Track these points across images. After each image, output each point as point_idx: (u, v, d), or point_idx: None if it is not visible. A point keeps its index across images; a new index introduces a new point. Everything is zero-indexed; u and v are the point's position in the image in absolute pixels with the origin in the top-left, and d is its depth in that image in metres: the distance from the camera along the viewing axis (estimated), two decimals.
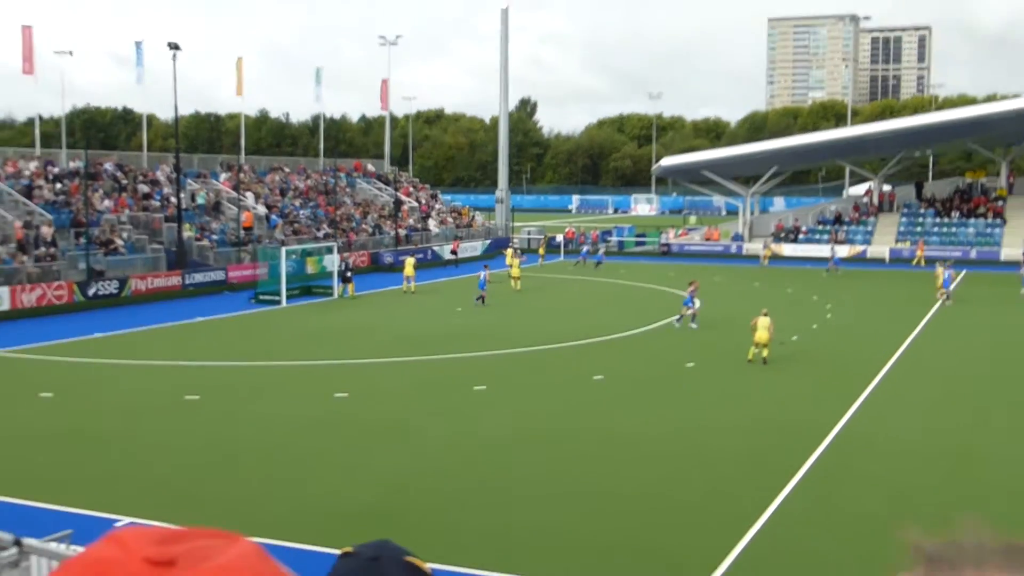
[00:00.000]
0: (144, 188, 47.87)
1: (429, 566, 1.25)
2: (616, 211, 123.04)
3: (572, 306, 39.23)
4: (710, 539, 13.33)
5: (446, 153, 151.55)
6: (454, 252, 55.14)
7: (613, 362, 26.44)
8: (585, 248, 58.35)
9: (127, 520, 13.13)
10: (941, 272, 38.89)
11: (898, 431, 19.08)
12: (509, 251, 51.47)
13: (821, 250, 58.44)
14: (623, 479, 15.99)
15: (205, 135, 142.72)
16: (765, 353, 25.10)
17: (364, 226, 56.84)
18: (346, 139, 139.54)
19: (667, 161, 66.43)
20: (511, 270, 43.26)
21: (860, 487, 15.62)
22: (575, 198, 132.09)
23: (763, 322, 25.71)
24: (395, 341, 29.47)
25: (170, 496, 14.70)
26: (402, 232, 57.55)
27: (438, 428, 18.97)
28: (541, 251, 57.57)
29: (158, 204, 46.65)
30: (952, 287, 38.38)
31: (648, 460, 16.98)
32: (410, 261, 42.49)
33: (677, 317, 32.07)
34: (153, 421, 19.42)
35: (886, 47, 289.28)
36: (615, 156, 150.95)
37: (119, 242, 41.31)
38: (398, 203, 59.43)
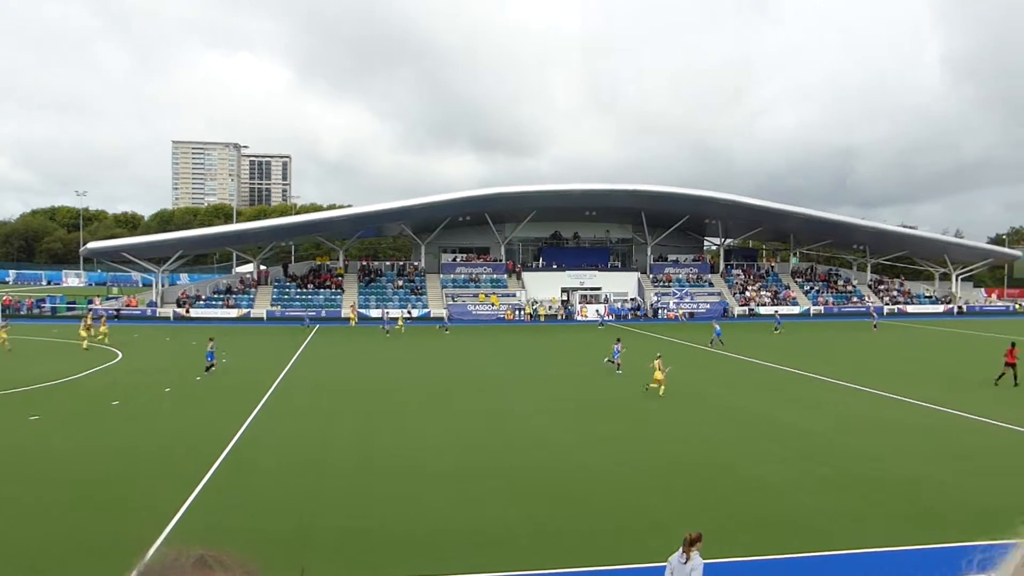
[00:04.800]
0: None
1: None
2: (49, 283, 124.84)
3: None
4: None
5: None
6: None
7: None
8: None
9: None
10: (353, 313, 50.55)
11: (278, 443, 19.37)
12: None
13: (226, 313, 66.70)
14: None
15: None
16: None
17: None
18: None
19: (93, 245, 67.82)
20: None
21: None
22: (12, 272, 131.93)
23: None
24: None
25: None
26: None
27: None
28: None
29: None
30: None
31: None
32: None
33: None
34: None
35: (261, 167, 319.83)
36: (48, 239, 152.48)
37: None
38: None
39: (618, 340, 35.03)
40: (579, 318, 69.95)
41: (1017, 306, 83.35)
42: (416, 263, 78.52)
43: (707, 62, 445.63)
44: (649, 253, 79.71)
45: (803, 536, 12.91)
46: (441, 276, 75.87)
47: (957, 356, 40.55)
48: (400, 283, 74.70)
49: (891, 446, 19.32)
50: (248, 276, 75.98)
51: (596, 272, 75.66)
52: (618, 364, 33.28)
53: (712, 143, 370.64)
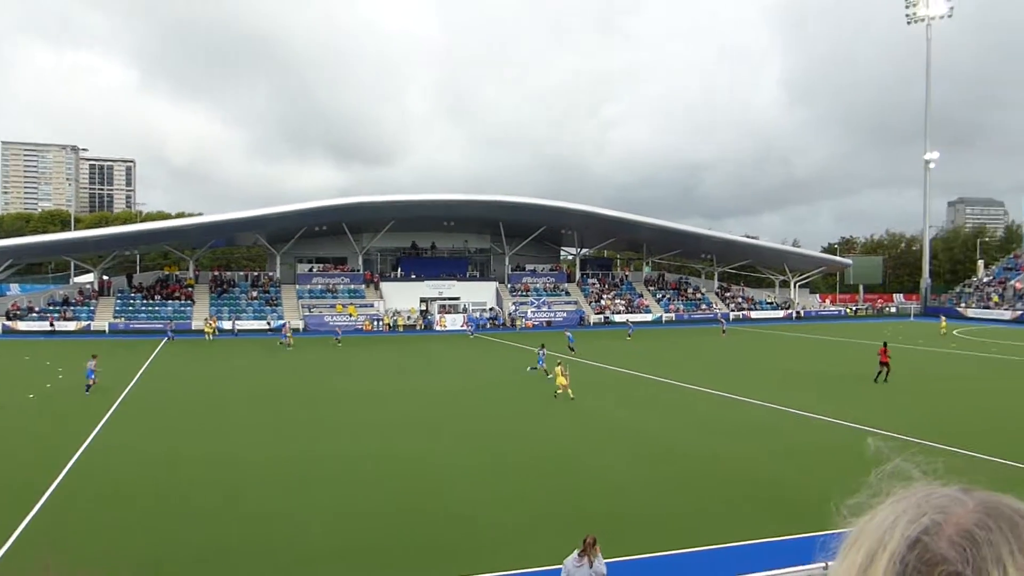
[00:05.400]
0: None
1: None
2: None
3: None
4: None
5: None
6: None
7: None
8: None
9: None
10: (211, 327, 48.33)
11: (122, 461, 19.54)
12: None
13: (63, 326, 62.03)
14: None
15: None
16: None
17: None
18: None
19: None
20: None
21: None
22: None
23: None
24: None
25: None
26: None
27: None
28: None
29: None
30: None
31: None
32: None
33: None
34: None
35: (102, 172, 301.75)
36: None
37: None
38: None
39: (542, 346, 36.11)
40: (438, 328, 69.73)
41: (848, 310, 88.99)
42: (271, 273, 76.34)
43: (562, 75, 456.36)
44: (507, 263, 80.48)
45: (657, 534, 13.38)
46: (297, 287, 74.08)
47: (796, 357, 42.78)
48: (254, 294, 72.38)
49: (736, 444, 20.20)
50: (88, 287, 71.76)
51: (455, 282, 75.72)
52: (545, 370, 33.88)
53: (567, 155, 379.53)
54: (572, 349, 44.50)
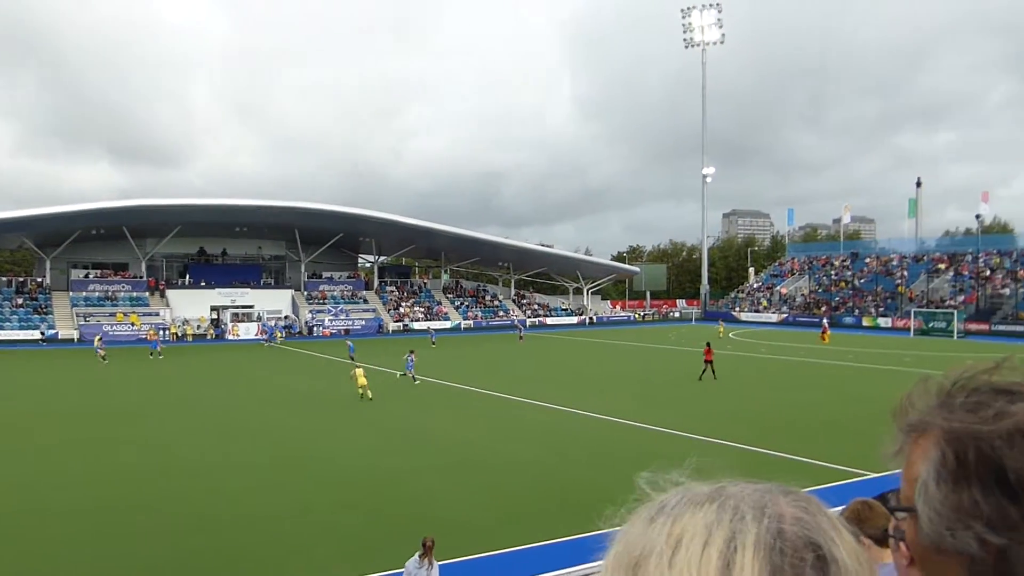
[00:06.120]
0: None
1: None
2: None
3: None
4: None
5: None
6: None
7: None
8: None
9: None
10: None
11: None
12: None
13: None
14: None
15: None
16: None
17: None
18: None
19: None
20: None
21: None
22: None
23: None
24: None
25: None
26: None
27: None
28: None
29: None
30: None
31: None
32: None
33: None
34: None
35: None
36: None
37: None
38: None
39: (411, 351, 36.19)
40: (231, 337, 66.79)
41: (636, 315, 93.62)
42: (40, 279, 70.23)
43: (361, 80, 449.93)
44: (303, 270, 78.52)
45: (461, 538, 13.51)
46: (71, 294, 68.70)
47: (592, 361, 44.35)
48: (20, 301, 66.36)
49: (536, 448, 20.58)
50: None
51: (248, 290, 72.98)
52: (413, 375, 34.83)
53: (367, 161, 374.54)
54: (352, 359, 43.92)
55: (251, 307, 71.54)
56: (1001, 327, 65.77)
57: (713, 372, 35.09)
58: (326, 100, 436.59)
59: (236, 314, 70.06)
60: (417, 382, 34.48)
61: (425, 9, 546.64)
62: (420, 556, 10.45)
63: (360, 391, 29.76)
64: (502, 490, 16.98)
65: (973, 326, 66.26)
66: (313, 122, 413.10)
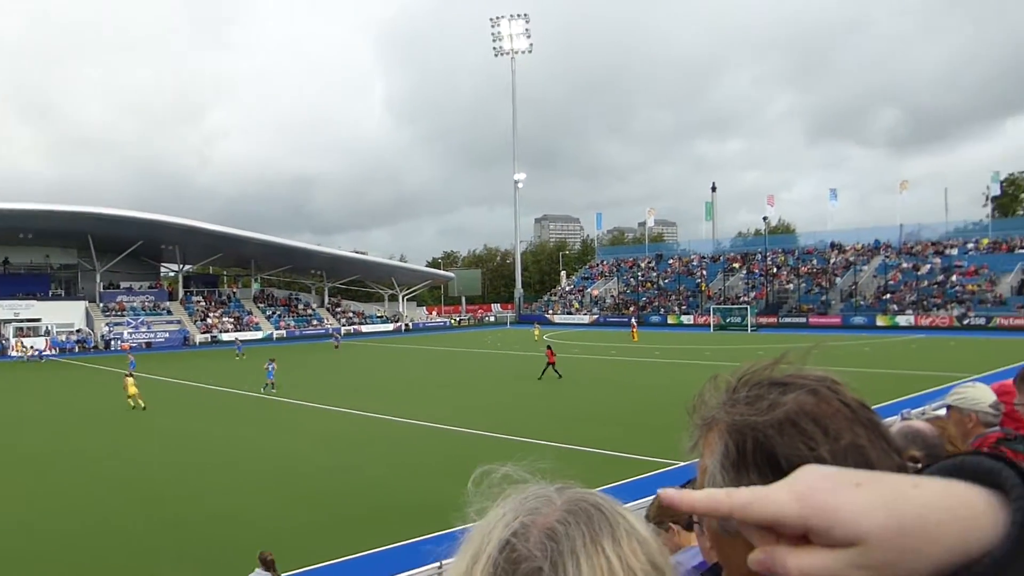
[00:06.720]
0: None
1: None
2: None
3: None
4: None
5: None
6: None
7: None
8: None
9: None
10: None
11: None
12: None
13: None
14: None
15: None
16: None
17: None
18: None
19: None
20: None
21: None
22: None
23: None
24: None
25: None
26: None
27: None
28: None
29: None
30: None
31: None
32: None
33: None
34: None
35: None
36: None
37: None
38: None
39: (271, 360, 35.37)
40: (13, 353, 61.33)
41: (452, 321, 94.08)
42: None
43: (159, 79, 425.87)
44: (99, 280, 73.31)
45: (282, 552, 12.71)
46: None
47: (409, 368, 43.94)
48: None
49: (351, 457, 20.06)
50: None
51: (34, 302, 67.32)
52: (272, 383, 33.94)
53: (167, 165, 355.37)
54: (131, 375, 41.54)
55: (38, 320, 65.99)
56: (787, 319, 71.21)
57: (556, 371, 36.24)
58: (121, 100, 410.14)
59: (20, 328, 64.40)
60: (274, 390, 33.53)
61: (235, 6, 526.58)
62: (264, 570, 10.06)
63: (131, 402, 28.91)
64: (315, 500, 16.44)
65: (764, 319, 71.31)
66: (107, 121, 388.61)
